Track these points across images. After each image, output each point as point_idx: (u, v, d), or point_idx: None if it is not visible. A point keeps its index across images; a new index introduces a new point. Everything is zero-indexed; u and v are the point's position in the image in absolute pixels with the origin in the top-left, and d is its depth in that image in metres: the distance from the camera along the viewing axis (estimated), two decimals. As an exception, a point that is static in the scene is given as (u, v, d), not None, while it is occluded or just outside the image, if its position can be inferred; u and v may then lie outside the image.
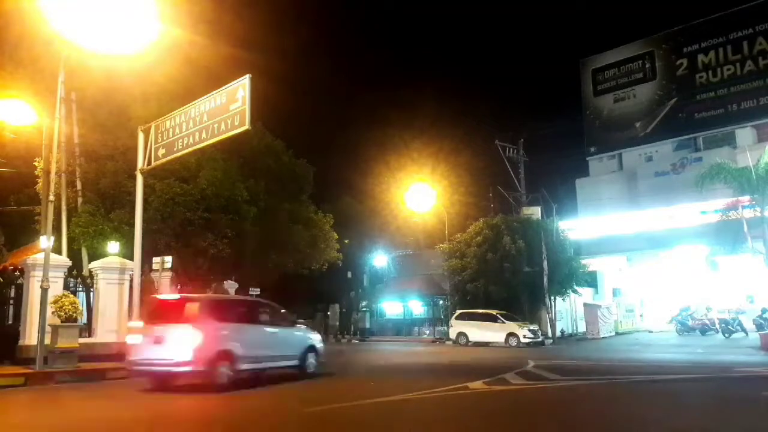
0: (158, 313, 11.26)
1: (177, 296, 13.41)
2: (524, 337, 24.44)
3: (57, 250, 15.24)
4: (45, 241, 13.56)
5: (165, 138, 14.83)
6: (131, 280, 15.51)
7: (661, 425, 7.44)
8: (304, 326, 15.23)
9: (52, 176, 14.27)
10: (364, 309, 39.52)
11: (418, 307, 38.52)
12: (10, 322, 15.76)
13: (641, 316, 35.72)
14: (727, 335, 24.93)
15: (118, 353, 15.14)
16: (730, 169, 21.64)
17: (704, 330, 26.49)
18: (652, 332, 32.42)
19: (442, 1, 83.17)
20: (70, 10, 12.77)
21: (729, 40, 36.94)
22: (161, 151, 14.93)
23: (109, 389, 11.84)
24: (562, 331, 30.52)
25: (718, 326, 25.68)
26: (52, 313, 13.39)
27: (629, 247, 34.28)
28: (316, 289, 34.75)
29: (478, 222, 31.01)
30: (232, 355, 10.75)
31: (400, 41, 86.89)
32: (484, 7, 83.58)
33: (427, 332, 34.61)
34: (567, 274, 29.63)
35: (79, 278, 16.63)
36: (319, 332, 37.28)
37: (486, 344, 25.13)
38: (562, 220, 34.16)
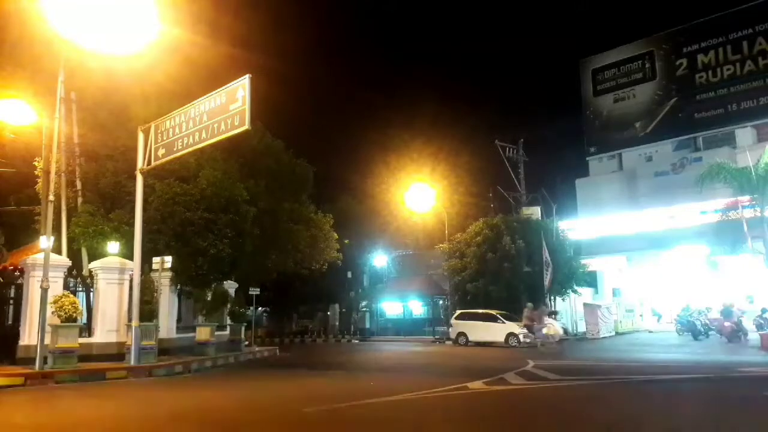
0: None
1: None
2: (524, 337, 24.42)
3: (57, 250, 15.23)
4: (45, 241, 13.55)
5: (165, 138, 14.83)
6: (131, 280, 15.51)
7: (660, 425, 7.44)
8: None
9: (52, 176, 14.27)
10: (364, 309, 39.51)
11: (418, 307, 38.52)
12: (10, 322, 15.76)
13: (641, 316, 35.71)
14: (728, 335, 24.88)
15: (118, 353, 15.18)
16: (730, 169, 21.66)
17: (704, 330, 26.45)
18: (652, 332, 32.41)
19: (442, 1, 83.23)
20: (69, 10, 12.77)
21: (729, 40, 36.98)
22: (161, 151, 14.94)
23: (108, 389, 11.84)
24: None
25: (719, 326, 25.62)
26: (52, 313, 13.39)
27: (629, 247, 34.30)
28: (316, 289, 34.75)
29: (478, 222, 31.01)
30: None
31: (401, 41, 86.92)
32: (485, 7, 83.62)
33: (427, 332, 34.60)
34: (567, 274, 29.63)
35: (79, 278, 16.63)
36: (320, 332, 37.27)
37: (486, 344, 25.11)
38: (562, 220, 34.20)
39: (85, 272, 16.64)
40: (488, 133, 52.36)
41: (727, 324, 23.66)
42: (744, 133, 35.10)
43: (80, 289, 16.68)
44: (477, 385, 10.91)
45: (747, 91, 35.94)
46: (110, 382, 12.91)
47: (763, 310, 22.95)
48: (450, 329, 27.69)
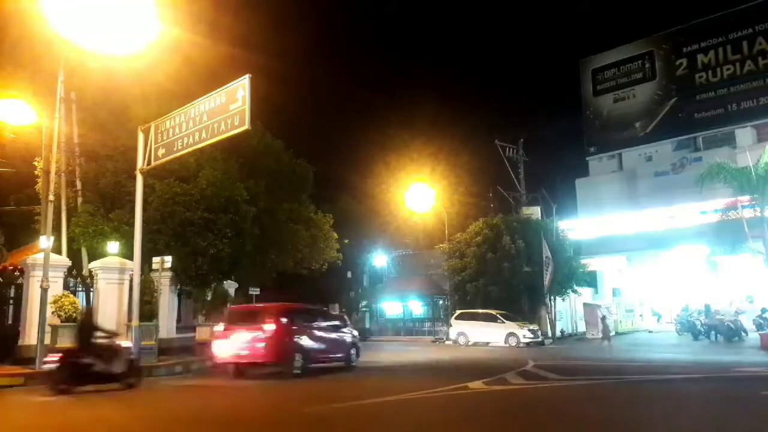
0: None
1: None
2: (524, 337, 24.44)
3: (57, 250, 15.24)
4: (45, 241, 13.56)
5: (165, 138, 14.81)
6: (131, 280, 15.51)
7: (660, 425, 7.44)
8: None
9: (52, 176, 14.28)
10: (364, 309, 39.51)
11: (417, 307, 38.50)
12: (10, 322, 15.77)
13: (641, 316, 35.71)
14: (726, 335, 24.91)
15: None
16: (730, 169, 21.67)
17: (704, 330, 26.46)
18: (651, 332, 32.42)
19: (442, 2, 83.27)
20: (69, 10, 12.77)
21: (729, 40, 36.92)
22: (161, 151, 14.92)
23: (108, 389, 11.81)
24: (562, 331, 30.53)
25: (718, 326, 25.64)
26: (52, 313, 13.40)
27: (629, 247, 34.27)
28: (315, 289, 34.71)
29: (477, 222, 31.03)
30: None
31: (401, 41, 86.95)
32: (484, 7, 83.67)
33: (427, 332, 34.61)
34: (567, 274, 29.64)
35: (79, 278, 16.63)
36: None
37: (486, 344, 25.13)
38: (562, 220, 34.20)
39: (85, 272, 16.65)
40: (488, 133, 52.20)
41: (705, 320, 24.09)
42: (744, 133, 35.05)
43: (80, 289, 16.68)
44: (477, 385, 10.91)
45: (747, 91, 35.88)
46: (110, 382, 12.88)
47: (763, 310, 22.96)
48: (450, 329, 27.71)
